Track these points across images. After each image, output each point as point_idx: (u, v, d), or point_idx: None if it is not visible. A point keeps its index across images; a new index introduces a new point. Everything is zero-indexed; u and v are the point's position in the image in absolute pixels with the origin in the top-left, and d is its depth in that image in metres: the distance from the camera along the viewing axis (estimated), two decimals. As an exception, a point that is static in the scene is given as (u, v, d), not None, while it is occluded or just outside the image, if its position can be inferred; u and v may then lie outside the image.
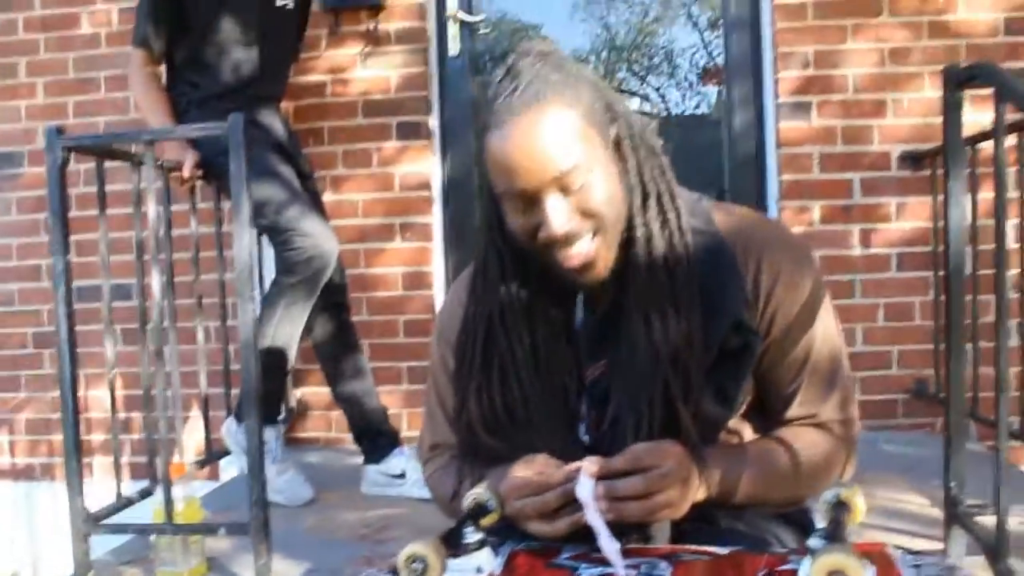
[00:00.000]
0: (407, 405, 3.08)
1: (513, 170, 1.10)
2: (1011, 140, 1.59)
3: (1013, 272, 2.10)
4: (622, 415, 1.20)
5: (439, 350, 1.37)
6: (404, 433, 2.68)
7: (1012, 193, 1.96)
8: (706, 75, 3.50)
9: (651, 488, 1.09)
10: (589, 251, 1.15)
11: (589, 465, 1.10)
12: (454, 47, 3.19)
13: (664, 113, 3.53)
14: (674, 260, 1.19)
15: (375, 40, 3.10)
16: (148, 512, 1.82)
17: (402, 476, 2.40)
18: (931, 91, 2.95)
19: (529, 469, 1.15)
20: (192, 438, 2.76)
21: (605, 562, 1.15)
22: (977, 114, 1.99)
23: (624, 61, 3.61)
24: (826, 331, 1.25)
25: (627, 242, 1.19)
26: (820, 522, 1.11)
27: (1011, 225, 2.10)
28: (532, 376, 1.23)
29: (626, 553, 1.16)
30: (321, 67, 3.14)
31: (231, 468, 2.94)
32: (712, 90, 3.52)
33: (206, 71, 2.44)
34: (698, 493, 1.18)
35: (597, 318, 1.26)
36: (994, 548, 1.48)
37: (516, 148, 1.10)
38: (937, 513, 1.79)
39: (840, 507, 1.11)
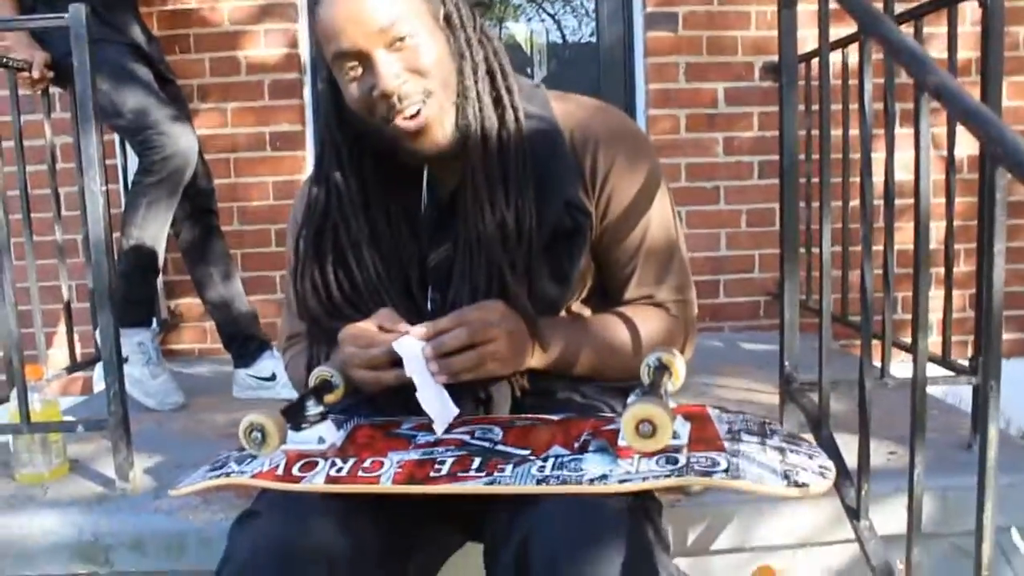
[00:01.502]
0: (279, 314, 3.07)
1: (341, 29, 1.15)
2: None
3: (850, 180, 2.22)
4: (460, 296, 1.25)
5: (289, 237, 1.41)
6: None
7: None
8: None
9: (476, 338, 1.15)
10: (424, 115, 1.19)
11: (418, 328, 1.16)
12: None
13: (567, 38, 3.55)
14: (507, 138, 1.24)
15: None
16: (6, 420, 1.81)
17: (272, 378, 2.43)
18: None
19: (371, 322, 1.19)
20: (62, 352, 2.71)
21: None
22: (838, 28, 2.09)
23: None
24: (662, 217, 1.33)
25: (463, 119, 1.23)
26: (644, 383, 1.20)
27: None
28: (375, 262, 1.27)
29: (464, 421, 1.24)
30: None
31: (103, 382, 2.91)
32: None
33: None
34: (535, 358, 1.24)
35: (441, 203, 1.31)
36: (816, 418, 1.60)
37: (343, 6, 1.14)
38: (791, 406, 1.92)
39: (660, 369, 1.20)
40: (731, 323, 3.19)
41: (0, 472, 1.83)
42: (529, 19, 3.56)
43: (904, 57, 1.16)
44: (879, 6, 1.71)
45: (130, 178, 2.60)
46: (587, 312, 1.37)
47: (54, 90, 2.43)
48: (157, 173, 2.26)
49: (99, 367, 2.72)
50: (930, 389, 2.15)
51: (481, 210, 1.22)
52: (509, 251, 1.22)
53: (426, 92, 1.18)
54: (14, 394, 1.74)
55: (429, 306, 1.30)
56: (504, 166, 1.23)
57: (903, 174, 1.46)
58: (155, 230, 2.32)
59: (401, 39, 1.16)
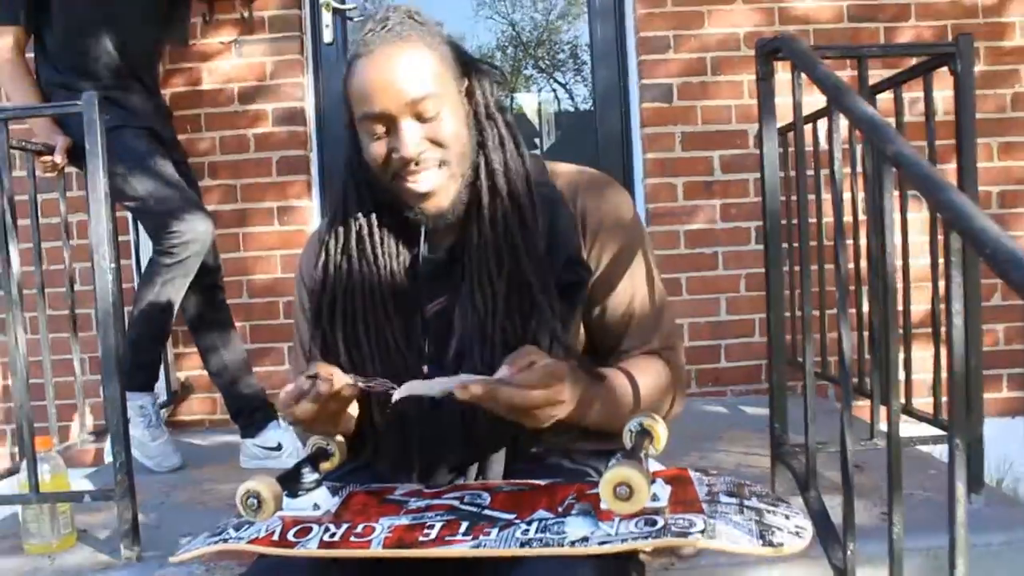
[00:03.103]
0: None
1: (373, 93, 1.24)
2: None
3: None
4: (467, 347, 1.30)
5: (298, 290, 1.48)
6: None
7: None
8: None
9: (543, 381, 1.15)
10: (435, 179, 1.27)
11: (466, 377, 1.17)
12: (328, 35, 3.25)
13: (572, 108, 3.65)
14: (518, 198, 1.32)
15: (249, 27, 3.14)
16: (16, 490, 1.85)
17: (278, 448, 2.47)
18: (782, 73, 3.13)
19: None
20: (75, 425, 2.77)
21: (433, 496, 1.26)
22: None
23: (530, 57, 3.71)
24: (648, 272, 1.40)
25: (473, 185, 1.32)
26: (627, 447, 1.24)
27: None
28: (379, 311, 1.33)
29: (455, 487, 1.28)
30: (196, 54, 3.16)
31: (114, 453, 2.96)
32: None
33: (71, 55, 2.44)
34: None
35: (438, 257, 1.37)
36: (804, 480, 1.63)
37: (378, 72, 1.23)
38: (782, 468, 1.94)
39: (642, 434, 1.24)
40: (733, 387, 3.21)
41: (9, 543, 1.87)
42: (540, 89, 3.67)
43: (865, 127, 1.22)
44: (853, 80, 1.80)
45: (142, 254, 2.70)
46: None
47: (70, 169, 2.52)
48: (174, 256, 2.35)
49: (111, 438, 2.79)
50: (930, 449, 2.20)
51: (496, 264, 1.29)
52: (523, 305, 1.28)
53: (441, 162, 1.27)
54: (23, 465, 1.80)
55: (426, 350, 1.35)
56: (520, 224, 1.30)
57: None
58: (167, 304, 2.39)
59: (427, 111, 1.25)
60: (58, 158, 2.35)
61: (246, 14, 3.10)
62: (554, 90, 3.68)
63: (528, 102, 3.59)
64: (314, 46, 3.27)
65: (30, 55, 2.50)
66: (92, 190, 1.70)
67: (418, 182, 1.27)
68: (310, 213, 3.22)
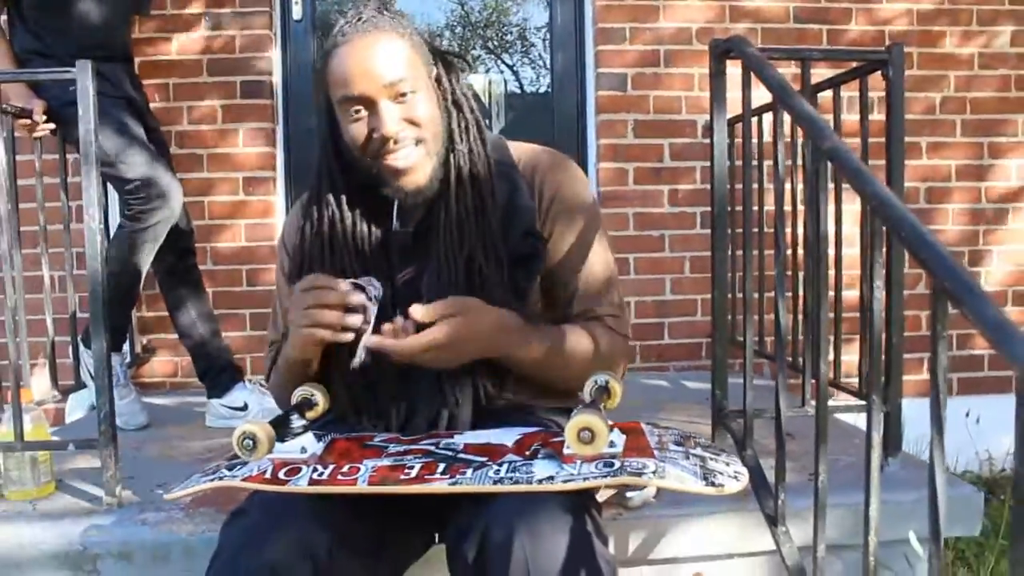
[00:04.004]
0: (249, 350, 3.24)
1: (353, 77, 1.36)
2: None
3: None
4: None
5: (279, 255, 1.62)
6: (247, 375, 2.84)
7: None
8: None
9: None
10: (413, 156, 1.40)
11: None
12: (297, 11, 3.33)
13: (525, 90, 3.76)
14: (480, 179, 1.46)
15: (219, 1, 3.21)
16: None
17: (244, 408, 2.57)
18: (732, 68, 3.30)
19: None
20: (39, 384, 2.82)
21: (410, 443, 1.39)
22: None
23: (479, 38, 3.78)
24: (600, 244, 1.54)
25: (444, 165, 1.45)
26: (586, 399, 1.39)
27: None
28: (356, 277, 1.45)
29: (429, 435, 1.42)
30: (167, 25, 3.22)
31: (76, 412, 3.03)
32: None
33: (50, 23, 2.50)
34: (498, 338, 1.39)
35: (408, 232, 1.50)
36: (741, 440, 1.80)
37: (356, 58, 1.36)
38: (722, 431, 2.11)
39: (602, 390, 1.40)
40: (675, 363, 3.39)
41: (-10, 490, 1.95)
42: (488, 70, 3.77)
43: (805, 124, 1.38)
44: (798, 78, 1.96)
45: (111, 216, 2.77)
46: None
47: (40, 132, 2.57)
48: (144, 221, 2.44)
49: (72, 397, 2.86)
50: (855, 420, 2.39)
51: (458, 237, 1.43)
52: (480, 272, 1.42)
53: (417, 140, 1.40)
54: (6, 416, 1.88)
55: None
56: (479, 202, 1.44)
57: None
58: (135, 268, 2.48)
59: (403, 93, 1.37)
60: (37, 118, 2.41)
61: (217, -13, 3.17)
62: (501, 71, 3.77)
63: (477, 82, 3.69)
64: (283, 21, 3.35)
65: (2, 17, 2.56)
66: (84, 155, 1.78)
67: (397, 159, 1.40)
68: (274, 184, 3.30)
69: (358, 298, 1.34)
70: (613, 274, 1.57)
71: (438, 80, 1.47)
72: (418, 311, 1.31)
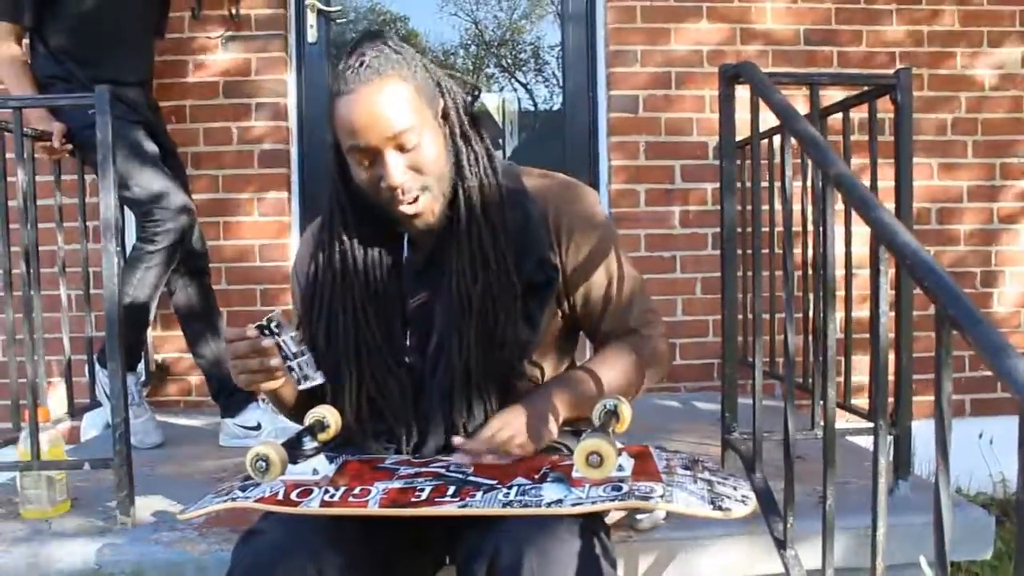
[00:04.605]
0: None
1: (358, 129, 1.36)
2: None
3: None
4: (446, 338, 1.46)
5: (292, 281, 1.66)
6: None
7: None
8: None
9: (498, 445, 1.41)
10: (421, 203, 1.42)
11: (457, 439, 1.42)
12: (312, 35, 3.38)
13: (538, 109, 3.78)
14: (491, 210, 1.47)
15: (236, 24, 3.25)
16: (13, 459, 1.95)
17: (258, 428, 2.59)
18: (742, 90, 3.32)
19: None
20: (54, 403, 2.85)
21: (421, 465, 1.41)
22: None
23: (492, 56, 3.80)
24: (619, 263, 1.58)
25: (453, 194, 1.47)
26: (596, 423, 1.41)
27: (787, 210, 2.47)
28: (360, 311, 1.48)
29: (439, 458, 1.43)
30: (184, 48, 3.26)
31: (91, 431, 3.06)
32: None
33: (73, 49, 2.55)
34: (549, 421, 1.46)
35: (420, 257, 1.52)
36: (751, 462, 1.80)
37: (361, 110, 1.36)
38: (731, 453, 2.11)
39: (610, 414, 1.41)
40: (686, 383, 3.40)
41: (4, 509, 1.98)
42: (501, 88, 3.79)
43: (812, 150, 1.40)
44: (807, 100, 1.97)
45: (127, 238, 2.81)
46: (547, 363, 1.58)
47: (60, 155, 2.61)
48: (157, 244, 2.48)
49: (87, 416, 2.89)
50: (866, 443, 2.39)
51: (471, 266, 1.45)
52: (494, 302, 1.45)
53: (423, 187, 1.41)
54: (23, 435, 1.90)
55: (407, 341, 1.51)
56: (491, 231, 1.46)
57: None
58: (149, 290, 2.51)
59: (407, 143, 1.38)
60: (56, 143, 2.46)
61: (234, 11, 3.21)
62: (515, 89, 3.79)
63: (490, 101, 3.71)
64: (298, 45, 3.39)
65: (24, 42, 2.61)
66: (102, 178, 1.82)
67: (406, 208, 1.41)
68: (288, 205, 3.33)
69: (267, 342, 1.37)
70: (636, 284, 1.61)
71: (445, 115, 1.47)
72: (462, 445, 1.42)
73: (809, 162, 2.30)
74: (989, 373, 2.86)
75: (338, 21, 3.46)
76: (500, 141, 3.68)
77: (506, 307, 1.45)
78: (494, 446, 1.40)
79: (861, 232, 2.16)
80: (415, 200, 1.41)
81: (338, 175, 1.49)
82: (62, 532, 1.82)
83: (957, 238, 3.50)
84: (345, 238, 1.50)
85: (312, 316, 1.51)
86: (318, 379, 1.42)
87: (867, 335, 2.19)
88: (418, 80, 1.41)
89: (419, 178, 1.40)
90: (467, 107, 1.52)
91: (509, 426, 1.42)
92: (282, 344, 1.39)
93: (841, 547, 1.58)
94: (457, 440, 1.41)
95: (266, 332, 1.37)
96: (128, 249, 2.71)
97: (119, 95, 2.46)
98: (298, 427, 1.56)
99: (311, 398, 1.49)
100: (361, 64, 1.36)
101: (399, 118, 1.36)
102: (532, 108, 3.78)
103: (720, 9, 3.38)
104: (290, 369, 1.41)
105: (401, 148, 1.38)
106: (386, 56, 1.38)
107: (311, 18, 3.37)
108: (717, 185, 3.30)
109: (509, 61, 3.81)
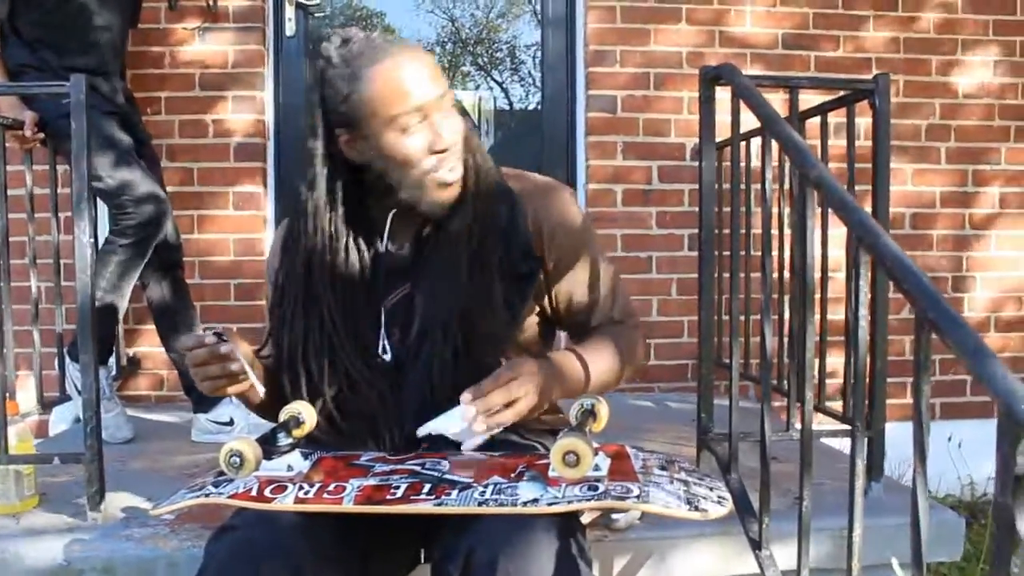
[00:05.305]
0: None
1: (410, 89, 1.36)
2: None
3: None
4: (429, 329, 1.45)
5: (267, 280, 1.64)
6: (232, 389, 2.83)
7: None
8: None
9: (513, 395, 1.33)
10: (459, 169, 1.43)
11: (465, 394, 1.32)
12: (290, 28, 3.35)
13: (514, 108, 3.78)
14: (481, 204, 1.46)
15: (213, 16, 3.22)
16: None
17: (231, 423, 2.56)
18: (721, 93, 3.34)
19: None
20: (23, 396, 2.81)
21: (397, 462, 1.40)
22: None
23: (468, 54, 3.79)
24: (600, 257, 1.58)
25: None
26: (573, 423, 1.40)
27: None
28: (339, 302, 1.46)
29: (416, 455, 1.42)
30: (160, 39, 3.22)
31: (60, 425, 3.01)
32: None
33: (47, 37, 2.52)
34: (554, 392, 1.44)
35: (401, 251, 1.51)
36: (726, 463, 1.81)
37: (411, 69, 1.36)
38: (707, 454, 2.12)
39: (587, 413, 1.41)
40: (660, 384, 3.40)
41: (-29, 504, 1.94)
42: (477, 87, 3.78)
43: (793, 153, 1.40)
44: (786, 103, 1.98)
45: (99, 229, 2.77)
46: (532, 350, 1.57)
47: (32, 144, 2.57)
48: (130, 237, 2.45)
49: (56, 410, 2.85)
50: (840, 444, 2.41)
51: (458, 259, 1.44)
52: (479, 293, 1.44)
53: (460, 153, 1.42)
54: (-9, 427, 1.87)
55: (383, 342, 1.50)
56: (482, 227, 1.45)
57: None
58: (122, 284, 2.48)
59: (447, 107, 1.40)
60: (28, 132, 2.42)
61: (211, 3, 3.17)
62: (491, 88, 3.79)
63: (466, 99, 3.69)
64: (276, 38, 3.36)
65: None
66: (76, 168, 1.79)
67: (451, 172, 1.41)
68: (264, 199, 3.30)
69: (225, 347, 1.35)
70: (616, 278, 1.62)
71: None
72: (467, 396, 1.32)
73: (787, 165, 2.32)
74: (959, 377, 2.92)
75: (316, 15, 3.43)
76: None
77: (492, 299, 1.44)
78: (503, 384, 1.33)
79: (835, 235, 2.20)
80: (457, 167, 1.41)
81: (329, 160, 1.44)
82: (30, 528, 1.79)
83: (930, 243, 3.53)
84: (328, 225, 1.46)
85: (284, 312, 1.49)
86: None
87: (838, 337, 2.22)
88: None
89: (460, 144, 1.42)
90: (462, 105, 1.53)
91: (521, 373, 1.36)
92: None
93: (815, 548, 1.58)
94: (466, 396, 1.32)
95: (225, 337, 1.36)
96: (100, 241, 2.68)
97: (93, 85, 2.44)
98: (271, 424, 1.56)
99: (281, 397, 1.47)
100: (370, 41, 1.38)
101: (440, 79, 1.39)
102: (508, 107, 3.78)
103: (699, 12, 3.39)
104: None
105: (443, 112, 1.39)
106: (395, 38, 1.42)
107: (289, 11, 3.35)
108: (694, 186, 3.34)
109: (485, 60, 3.80)
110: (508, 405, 1.32)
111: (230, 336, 1.37)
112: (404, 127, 1.38)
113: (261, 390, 1.42)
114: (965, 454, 3.36)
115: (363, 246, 1.49)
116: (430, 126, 1.38)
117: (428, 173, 1.40)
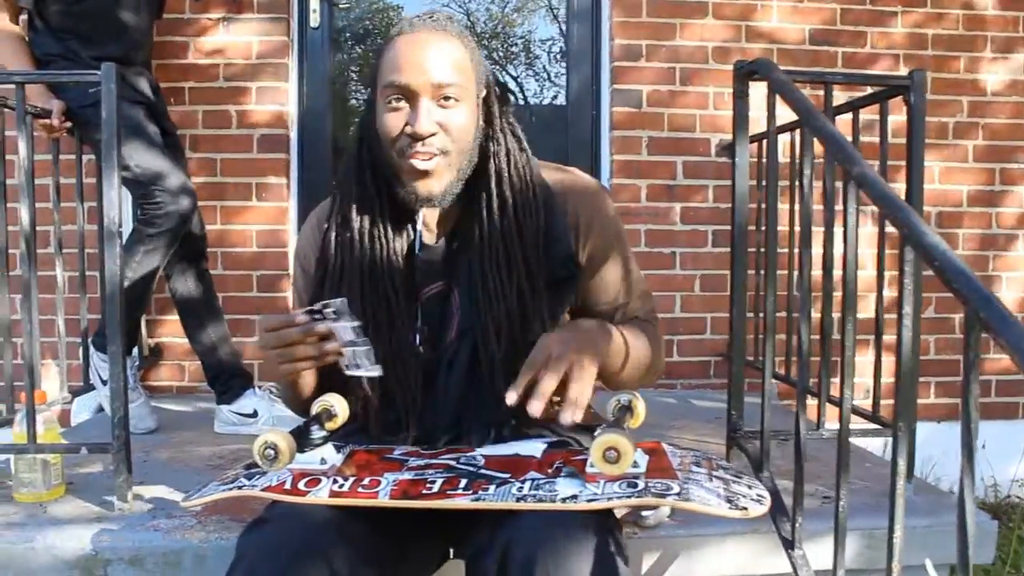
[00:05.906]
0: (259, 356, 3.22)
1: (404, 65, 1.36)
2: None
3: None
4: (475, 326, 1.44)
5: (295, 266, 1.62)
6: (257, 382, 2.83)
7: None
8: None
9: (559, 370, 1.26)
10: (435, 162, 1.39)
11: (510, 395, 1.27)
12: (315, 19, 3.34)
13: (523, 102, 3.74)
14: (520, 207, 1.45)
15: (238, 7, 3.21)
16: (7, 440, 1.92)
17: (254, 415, 2.56)
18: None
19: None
20: (48, 386, 2.81)
21: (431, 457, 1.39)
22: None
23: (484, 48, 3.77)
24: (631, 257, 1.58)
25: (475, 183, 1.45)
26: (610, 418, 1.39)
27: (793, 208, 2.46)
28: (376, 294, 1.45)
29: (450, 451, 1.41)
30: (185, 30, 3.21)
31: (82, 414, 3.02)
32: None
33: (76, 27, 2.52)
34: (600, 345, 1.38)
35: (437, 246, 1.50)
36: (758, 462, 1.79)
37: (413, 48, 1.37)
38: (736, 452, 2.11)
39: (624, 409, 1.39)
40: (683, 381, 3.39)
41: (-1, 492, 1.95)
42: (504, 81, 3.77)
43: (833, 148, 1.38)
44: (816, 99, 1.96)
45: (125, 219, 2.77)
46: None
47: (59, 133, 2.57)
48: (158, 226, 2.44)
49: (78, 400, 2.85)
50: (866, 443, 2.39)
51: (495, 259, 1.43)
52: (524, 293, 1.43)
53: (442, 150, 1.39)
54: (19, 417, 1.87)
55: (417, 335, 1.48)
56: (519, 231, 1.44)
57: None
58: (148, 273, 2.47)
59: (447, 98, 1.38)
60: (55, 121, 2.42)
61: (236, -7, 3.18)
62: (519, 85, 3.77)
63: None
64: (300, 30, 3.36)
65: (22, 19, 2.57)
66: (106, 157, 1.78)
67: (419, 161, 1.39)
68: (287, 191, 3.30)
69: (321, 327, 1.31)
70: (643, 280, 1.62)
71: (486, 102, 1.47)
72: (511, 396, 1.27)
73: (821, 161, 2.29)
74: (984, 377, 2.88)
75: (341, 6, 3.42)
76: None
77: (534, 302, 1.44)
78: (544, 359, 1.28)
79: (864, 233, 2.18)
80: (430, 158, 1.39)
81: (368, 129, 1.46)
82: (58, 517, 1.79)
83: (956, 242, 3.50)
84: (356, 219, 1.47)
85: (323, 295, 1.48)
86: (374, 371, 1.35)
87: (866, 336, 2.20)
88: (473, 55, 1.43)
89: (443, 138, 1.39)
90: (509, 106, 1.52)
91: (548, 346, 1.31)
92: (338, 331, 1.33)
93: (848, 548, 1.57)
94: (510, 396, 1.26)
95: (316, 317, 1.32)
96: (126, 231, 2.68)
97: (121, 74, 2.44)
98: (294, 415, 1.55)
99: (320, 387, 1.46)
100: (431, 17, 1.41)
101: (448, 70, 1.37)
102: (531, 102, 3.75)
103: (726, 6, 3.37)
104: (340, 356, 1.34)
105: (437, 100, 1.37)
106: (456, 23, 1.42)
107: (314, 2, 3.34)
108: (719, 182, 3.35)
109: (500, 54, 3.78)
110: (564, 384, 1.26)
111: (346, 309, 1.32)
112: (389, 100, 1.39)
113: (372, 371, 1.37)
114: (989, 455, 3.33)
115: (396, 237, 1.48)
116: (415, 109, 1.37)
117: (402, 155, 1.39)
